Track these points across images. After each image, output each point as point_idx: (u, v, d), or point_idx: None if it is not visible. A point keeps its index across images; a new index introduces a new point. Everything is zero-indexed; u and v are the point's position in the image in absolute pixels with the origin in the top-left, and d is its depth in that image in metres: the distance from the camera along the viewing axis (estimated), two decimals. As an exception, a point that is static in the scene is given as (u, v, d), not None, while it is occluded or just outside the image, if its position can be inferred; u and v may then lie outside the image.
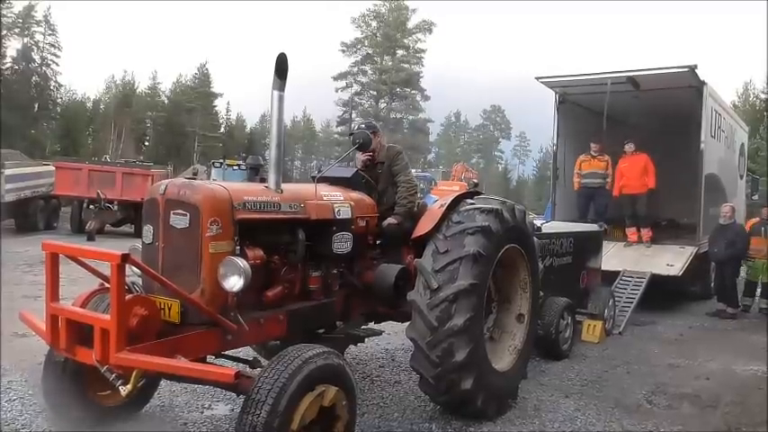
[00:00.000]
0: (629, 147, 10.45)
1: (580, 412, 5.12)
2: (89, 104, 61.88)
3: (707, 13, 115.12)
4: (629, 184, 10.33)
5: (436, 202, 5.01)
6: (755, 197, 17.65)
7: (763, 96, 50.16)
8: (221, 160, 22.82)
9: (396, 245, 5.03)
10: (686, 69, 9.52)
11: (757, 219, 10.90)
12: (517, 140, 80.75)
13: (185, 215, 3.58)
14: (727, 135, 12.17)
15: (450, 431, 4.57)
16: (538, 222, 7.95)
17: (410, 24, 59.40)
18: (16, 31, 50.24)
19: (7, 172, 15.88)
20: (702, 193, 10.15)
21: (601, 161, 10.67)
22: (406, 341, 4.89)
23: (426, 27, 59.25)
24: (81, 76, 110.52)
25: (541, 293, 5.77)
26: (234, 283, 3.44)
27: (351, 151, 5.24)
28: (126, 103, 58.50)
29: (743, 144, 14.33)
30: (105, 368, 3.25)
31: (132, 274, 3.55)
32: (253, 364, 4.13)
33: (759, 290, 10.59)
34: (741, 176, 14.31)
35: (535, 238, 5.55)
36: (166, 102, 61.93)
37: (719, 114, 11.25)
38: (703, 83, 9.92)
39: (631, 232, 10.51)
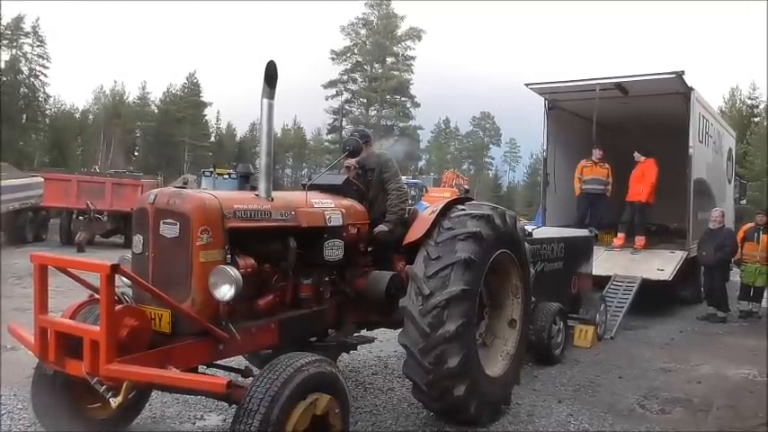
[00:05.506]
0: (636, 156, 10.54)
1: (573, 417, 5.13)
2: (78, 115, 61.70)
3: (694, 20, 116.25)
4: (638, 191, 10.39)
5: (427, 209, 5.02)
6: (743, 202, 17.80)
7: (749, 102, 50.76)
8: (211, 169, 22.77)
9: (387, 252, 5.03)
10: (673, 75, 9.60)
11: (751, 224, 10.99)
12: (507, 147, 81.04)
13: (175, 224, 3.56)
14: (714, 140, 12.27)
15: (444, 438, 4.56)
16: (529, 228, 7.98)
17: (399, 32, 59.67)
18: (4, 42, 50.04)
19: (-4, 183, 15.75)
20: (692, 197, 10.21)
21: (603, 168, 10.84)
22: (399, 348, 4.89)
23: (415, 34, 59.59)
24: (70, 86, 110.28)
25: (533, 299, 5.79)
26: (225, 292, 3.43)
27: (341, 158, 5.24)
28: (115, 114, 58.39)
29: (730, 149, 14.45)
30: (95, 380, 3.21)
31: (122, 284, 3.52)
32: (245, 373, 4.11)
33: (751, 294, 10.63)
34: (729, 181, 14.42)
35: (526, 244, 5.56)
36: (156, 111, 61.83)
37: (707, 120, 11.34)
38: (691, 89, 10.01)
39: (619, 237, 10.57)
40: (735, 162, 15.61)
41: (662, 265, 9.70)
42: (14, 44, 51.21)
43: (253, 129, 67.06)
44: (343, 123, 58.48)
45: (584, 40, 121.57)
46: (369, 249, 5.04)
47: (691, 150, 10.11)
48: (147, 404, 4.56)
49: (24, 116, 51.61)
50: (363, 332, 5.22)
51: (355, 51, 60.43)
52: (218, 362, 4.00)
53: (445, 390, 4.34)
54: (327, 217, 4.45)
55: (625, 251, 10.39)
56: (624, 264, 9.93)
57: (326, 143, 63.51)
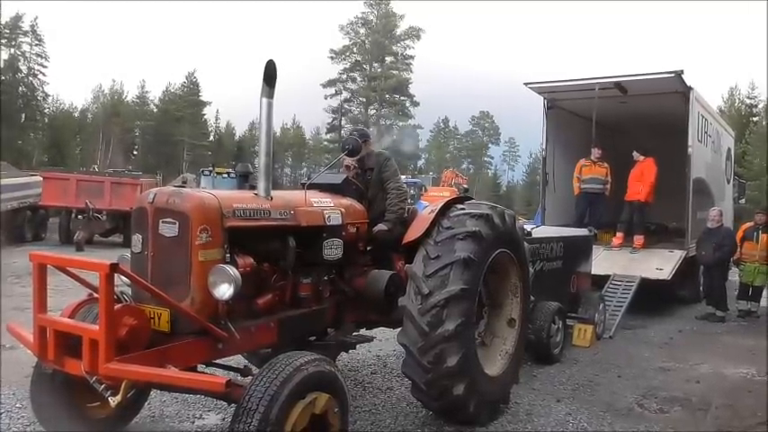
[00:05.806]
0: (636, 155, 10.55)
1: (572, 416, 5.13)
2: (77, 114, 61.59)
3: (694, 20, 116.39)
4: (637, 190, 10.39)
5: (426, 208, 5.02)
6: (742, 201, 17.82)
7: (748, 101, 50.80)
8: (210, 168, 22.75)
9: (386, 251, 5.03)
10: (673, 75, 9.60)
11: (751, 223, 11.00)
12: (506, 146, 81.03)
13: (174, 223, 3.56)
14: (713, 140, 12.27)
15: (443, 437, 4.56)
16: (528, 227, 7.98)
17: (398, 31, 59.66)
18: (3, 41, 49.97)
19: (-5, 182, 15.71)
20: (690, 197, 10.22)
21: (601, 167, 10.86)
22: (398, 347, 4.89)
23: (414, 33, 59.59)
24: (68, 85, 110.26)
25: (532, 298, 5.79)
26: (224, 291, 3.43)
27: (340, 157, 5.24)
28: (114, 113, 58.32)
29: (729, 148, 14.45)
30: (94, 379, 3.21)
31: (121, 283, 3.52)
32: (244, 372, 4.11)
33: (750, 293, 10.64)
34: (728, 181, 14.42)
35: (525, 243, 5.56)
36: (155, 111, 61.77)
37: (706, 119, 11.34)
38: (690, 88, 10.01)
39: (618, 237, 10.57)
40: (734, 161, 15.61)
41: (661, 264, 9.70)
42: (13, 43, 51.14)
43: (252, 128, 66.97)
44: (343, 122, 58.44)
45: (583, 40, 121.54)
46: (368, 248, 5.04)
47: (690, 150, 10.12)
48: (146, 403, 4.56)
49: (23, 115, 51.52)
50: (362, 331, 5.22)
51: (354, 50, 60.42)
52: (217, 361, 3.99)
53: (444, 389, 4.34)
54: (327, 216, 4.45)
55: (624, 250, 10.39)
56: (623, 263, 9.93)
57: (326, 142, 63.48)
